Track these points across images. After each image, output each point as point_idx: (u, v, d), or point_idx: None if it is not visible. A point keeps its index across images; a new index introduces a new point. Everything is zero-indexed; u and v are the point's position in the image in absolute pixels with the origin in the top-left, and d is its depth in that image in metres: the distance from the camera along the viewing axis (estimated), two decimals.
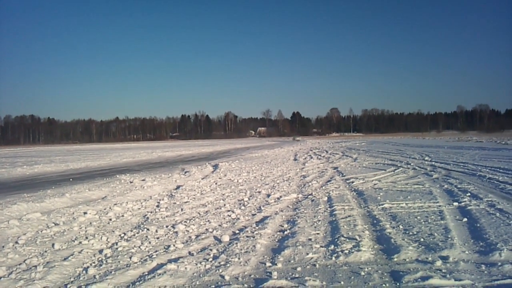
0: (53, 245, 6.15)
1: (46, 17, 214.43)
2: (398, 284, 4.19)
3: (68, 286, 4.50)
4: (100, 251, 5.81)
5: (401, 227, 6.41)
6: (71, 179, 16.53)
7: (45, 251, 5.89)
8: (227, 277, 4.58)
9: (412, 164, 16.53)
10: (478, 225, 6.33)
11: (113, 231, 6.97)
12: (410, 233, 6.03)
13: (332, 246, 5.51)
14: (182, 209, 8.72)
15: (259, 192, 10.78)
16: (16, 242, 6.38)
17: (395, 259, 4.95)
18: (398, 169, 14.61)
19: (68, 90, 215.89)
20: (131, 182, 13.77)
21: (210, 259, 5.23)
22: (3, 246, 6.17)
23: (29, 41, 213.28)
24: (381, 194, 9.49)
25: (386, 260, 4.97)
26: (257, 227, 6.81)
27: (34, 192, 12.21)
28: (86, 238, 6.53)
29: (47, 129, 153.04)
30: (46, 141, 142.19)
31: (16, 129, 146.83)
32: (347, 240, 5.74)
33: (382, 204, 8.18)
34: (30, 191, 12.43)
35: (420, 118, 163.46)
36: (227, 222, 7.44)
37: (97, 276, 4.79)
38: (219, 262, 5.08)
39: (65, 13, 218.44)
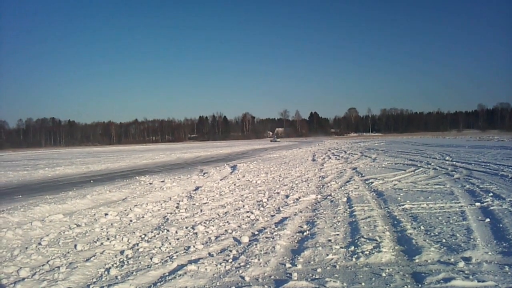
0: (75, 246, 6.25)
1: (67, 21, 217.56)
2: (420, 285, 4.15)
3: (91, 286, 4.56)
4: (122, 252, 5.87)
5: (422, 228, 6.33)
6: (92, 181, 16.76)
7: (68, 252, 5.97)
8: (247, 278, 4.59)
9: (432, 164, 16.33)
10: (501, 225, 6.22)
11: (134, 232, 7.04)
12: (432, 234, 5.96)
13: (352, 247, 5.48)
14: (201, 210, 8.76)
15: (277, 193, 10.77)
16: (39, 243, 6.49)
17: (417, 260, 4.90)
18: (418, 169, 14.44)
19: (88, 93, 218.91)
20: (150, 184, 13.88)
21: (230, 260, 5.25)
22: (26, 248, 6.28)
23: (49, 45, 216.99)
24: (401, 194, 9.39)
25: (407, 261, 4.92)
26: (276, 228, 6.81)
27: (56, 194, 12.40)
28: (108, 239, 6.61)
29: (68, 131, 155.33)
30: (67, 144, 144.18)
31: (37, 131, 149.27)
32: (368, 241, 5.69)
33: (403, 205, 8.10)
34: (52, 193, 12.63)
35: (440, 117, 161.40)
36: (246, 223, 7.45)
37: (119, 277, 4.84)
38: (239, 263, 5.10)
39: (86, 16, 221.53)
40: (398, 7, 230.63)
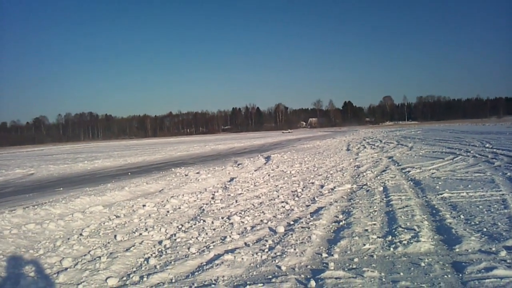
0: (115, 236, 6.41)
1: (104, 18, 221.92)
2: (460, 275, 4.06)
3: (131, 276, 4.68)
4: (160, 242, 6.00)
5: (462, 217, 6.18)
6: (129, 173, 17.13)
7: (108, 243, 6.14)
8: (283, 268, 4.60)
9: (471, 151, 15.85)
10: None
11: (171, 223, 7.17)
12: (472, 223, 5.81)
13: (390, 237, 5.41)
14: (236, 201, 8.83)
15: (312, 183, 10.72)
16: (81, 234, 6.70)
17: (457, 250, 4.79)
18: (457, 157, 14.06)
19: (123, 87, 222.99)
20: (186, 175, 14.08)
21: (266, 250, 5.28)
22: (68, 238, 6.49)
23: (86, 42, 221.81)
24: (439, 183, 9.18)
25: (447, 251, 4.82)
26: (311, 218, 6.79)
27: (95, 186, 12.74)
28: (146, 229, 6.76)
29: (105, 125, 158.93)
30: (104, 137, 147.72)
31: (76, 126, 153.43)
32: (405, 230, 5.60)
33: (441, 194, 7.92)
34: (91, 185, 12.98)
35: (479, 103, 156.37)
36: (281, 213, 7.46)
37: (158, 266, 4.95)
38: (275, 253, 5.12)
39: (121, 12, 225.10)
40: None
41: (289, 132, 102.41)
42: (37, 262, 5.39)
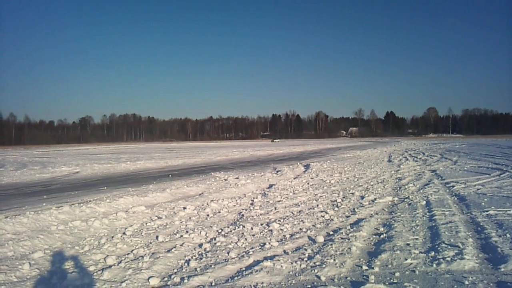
0: (157, 237, 6.57)
1: (146, 22, 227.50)
2: None
3: (172, 277, 4.78)
4: (200, 245, 6.10)
5: (508, 235, 5.98)
6: (170, 175, 17.45)
7: (150, 243, 6.30)
8: (323, 278, 4.59)
9: None
10: None
11: (211, 227, 7.27)
12: None
13: (433, 253, 5.30)
14: (275, 208, 8.85)
15: (352, 193, 10.62)
16: (124, 233, 6.90)
17: (502, 269, 4.66)
18: (504, 174, 13.59)
19: (166, 91, 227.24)
20: (225, 180, 14.22)
21: (305, 259, 5.28)
22: (112, 236, 6.70)
23: (131, 47, 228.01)
24: (485, 200, 8.90)
25: (492, 270, 4.69)
26: (351, 229, 6.73)
27: (138, 186, 13.05)
28: (187, 232, 6.88)
29: (147, 127, 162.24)
30: (146, 139, 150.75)
31: (120, 127, 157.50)
32: (449, 247, 5.47)
33: (487, 211, 7.68)
34: (134, 186, 13.32)
35: None
36: (320, 222, 7.43)
37: (198, 269, 5.04)
38: (314, 262, 5.11)
39: (167, 17, 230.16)
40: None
41: (278, 141, 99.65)
42: (83, 258, 5.60)
